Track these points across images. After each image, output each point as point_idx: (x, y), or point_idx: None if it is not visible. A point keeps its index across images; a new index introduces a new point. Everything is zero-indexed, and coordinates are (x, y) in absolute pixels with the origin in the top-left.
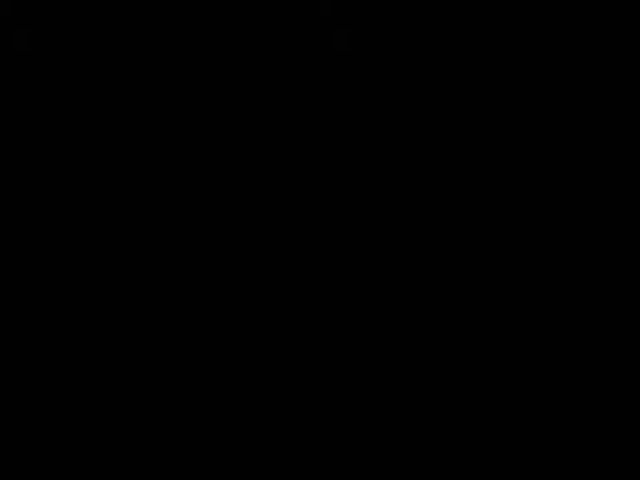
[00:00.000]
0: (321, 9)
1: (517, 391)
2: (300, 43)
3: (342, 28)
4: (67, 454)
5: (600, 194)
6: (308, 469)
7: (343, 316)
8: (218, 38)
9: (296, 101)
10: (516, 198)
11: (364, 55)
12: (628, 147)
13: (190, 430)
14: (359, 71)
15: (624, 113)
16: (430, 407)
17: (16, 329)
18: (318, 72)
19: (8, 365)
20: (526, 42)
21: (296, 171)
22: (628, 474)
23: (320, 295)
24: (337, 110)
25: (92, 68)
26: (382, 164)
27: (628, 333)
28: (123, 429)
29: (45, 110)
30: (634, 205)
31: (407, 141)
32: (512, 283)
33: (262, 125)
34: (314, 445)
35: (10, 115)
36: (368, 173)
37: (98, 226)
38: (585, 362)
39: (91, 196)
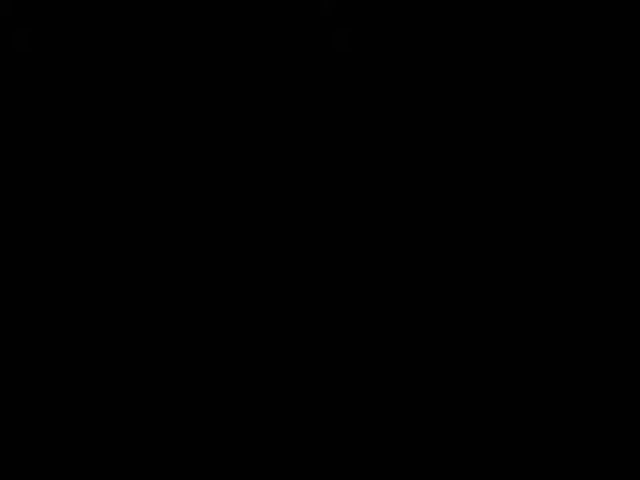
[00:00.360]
0: (321, 9)
1: (517, 391)
2: (300, 43)
3: (342, 28)
4: (67, 454)
5: (600, 194)
6: (308, 469)
7: (343, 316)
8: (218, 38)
9: (296, 101)
10: (515, 198)
11: (364, 55)
12: (628, 147)
13: (190, 430)
14: (359, 71)
15: (624, 113)
16: (430, 407)
17: (16, 329)
18: (318, 72)
19: (8, 365)
20: (526, 43)
21: (296, 170)
22: (628, 474)
23: (320, 295)
24: (337, 110)
25: (92, 68)
26: (381, 163)
27: (628, 333)
28: (123, 429)
29: (45, 110)
30: (634, 205)
31: (407, 141)
32: (512, 283)
33: (262, 125)
34: (314, 445)
35: (10, 115)
36: (367, 172)
37: (97, 226)
38: (585, 362)
39: (91, 195)
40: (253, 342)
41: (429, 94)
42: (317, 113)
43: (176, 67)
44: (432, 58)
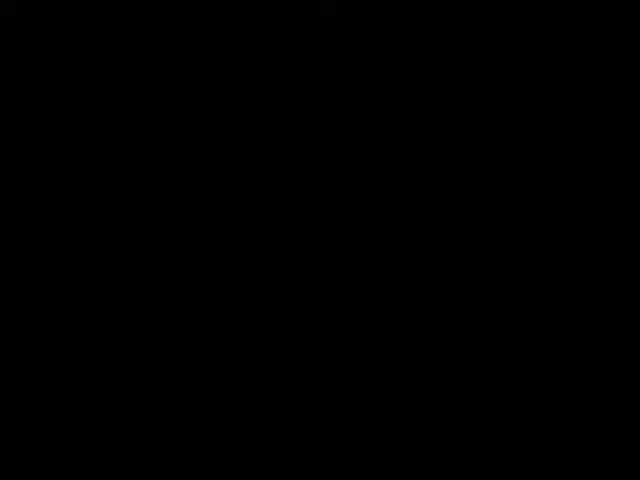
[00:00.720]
0: (321, 9)
1: (517, 391)
2: (300, 43)
3: (342, 29)
4: (67, 454)
5: (600, 194)
6: (308, 469)
7: (343, 316)
8: (212, 31)
9: (292, 94)
10: (509, 188)
11: (351, 21)
12: (628, 147)
13: (190, 430)
14: (344, 38)
15: (624, 113)
16: (430, 407)
17: (16, 329)
18: (305, 40)
19: (8, 365)
20: (515, 19)
21: (292, 161)
22: (628, 474)
23: (315, 294)
24: (332, 102)
25: (91, 67)
26: (376, 157)
27: (628, 333)
28: (123, 429)
29: (44, 110)
30: (634, 205)
31: (396, 127)
32: (512, 283)
33: (259, 119)
34: (314, 445)
35: (9, 115)
36: (363, 165)
37: (94, 223)
38: (585, 362)
39: (87, 192)
40: (252, 342)
41: (424, 86)
42: (313, 105)
43: (173, 64)
44: (430, 53)
